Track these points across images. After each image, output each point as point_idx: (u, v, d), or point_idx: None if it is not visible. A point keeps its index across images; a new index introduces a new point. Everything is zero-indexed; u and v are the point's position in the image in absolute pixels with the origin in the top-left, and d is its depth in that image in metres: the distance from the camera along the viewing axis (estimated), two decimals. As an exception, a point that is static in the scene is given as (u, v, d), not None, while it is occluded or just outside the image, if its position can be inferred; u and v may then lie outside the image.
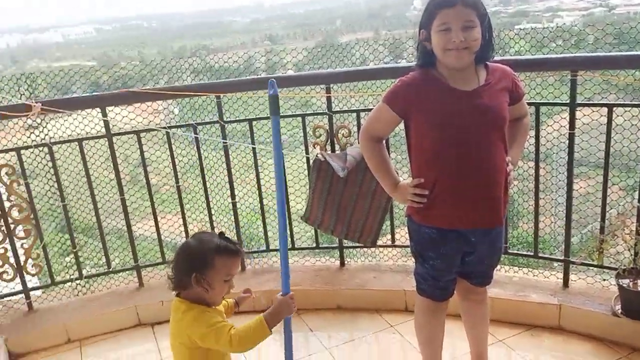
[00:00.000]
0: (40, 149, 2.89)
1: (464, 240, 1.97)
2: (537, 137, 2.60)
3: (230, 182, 3.06)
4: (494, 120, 1.87)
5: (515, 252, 2.81)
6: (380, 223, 2.85)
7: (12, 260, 2.94)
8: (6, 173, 2.82)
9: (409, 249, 2.85)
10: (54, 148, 2.88)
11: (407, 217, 2.06)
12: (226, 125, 2.94)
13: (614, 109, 2.36)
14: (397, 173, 2.05)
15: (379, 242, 3.07)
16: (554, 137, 2.74)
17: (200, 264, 1.63)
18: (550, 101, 2.58)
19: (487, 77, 1.88)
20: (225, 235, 1.69)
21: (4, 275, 2.95)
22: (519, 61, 2.46)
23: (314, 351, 2.67)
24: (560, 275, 2.69)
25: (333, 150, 2.90)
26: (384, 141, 2.05)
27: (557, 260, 2.70)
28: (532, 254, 2.73)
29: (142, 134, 2.97)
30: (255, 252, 3.31)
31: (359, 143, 2.04)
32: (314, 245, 3.17)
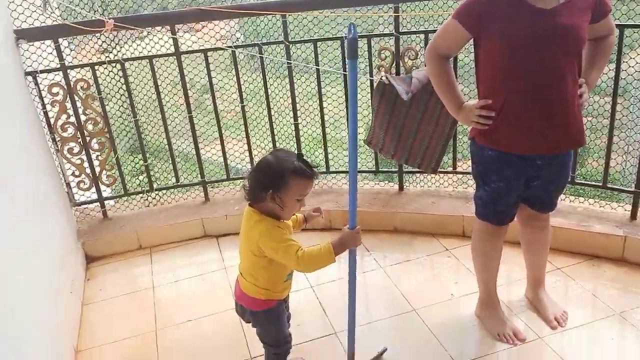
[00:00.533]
0: (114, 65, 2.99)
1: (529, 164, 1.92)
2: (617, 66, 2.45)
3: (294, 105, 3.08)
4: (571, 43, 1.78)
5: (583, 181, 2.72)
6: (443, 150, 2.83)
7: (88, 171, 3.13)
8: (81, 87, 2.96)
9: (469, 176, 2.84)
10: (126, 65, 2.98)
11: (470, 139, 2.03)
12: (291, 46, 2.93)
13: None
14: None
15: (441, 169, 3.06)
16: (636, 71, 2.58)
17: (277, 183, 1.67)
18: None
19: None
20: (303, 156, 1.72)
21: (81, 185, 3.15)
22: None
23: (368, 269, 2.74)
24: (629, 207, 2.60)
25: (398, 74, 2.85)
26: (450, 60, 2.00)
27: (627, 192, 2.60)
28: (600, 184, 2.63)
29: (209, 56, 3.01)
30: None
31: (426, 59, 1.99)
32: (374, 169, 3.18)
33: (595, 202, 2.71)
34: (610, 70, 2.43)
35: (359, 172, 3.26)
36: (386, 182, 3.31)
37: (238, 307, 1.91)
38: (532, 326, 2.22)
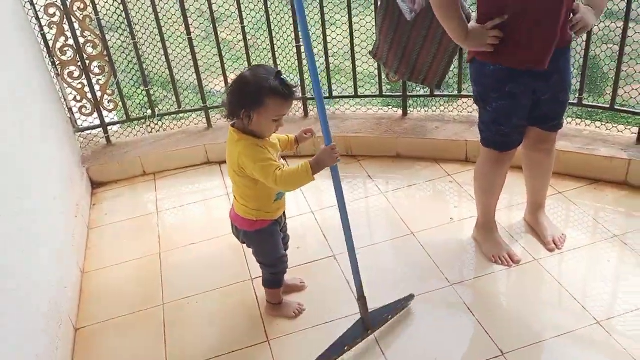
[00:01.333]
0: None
1: (534, 77, 1.86)
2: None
3: (296, 34, 2.98)
4: None
5: (591, 103, 2.65)
6: (447, 66, 2.73)
7: (89, 95, 3.11)
8: (78, 8, 2.89)
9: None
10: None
11: (469, 63, 1.96)
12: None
13: None
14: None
15: (445, 92, 2.99)
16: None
17: (252, 101, 1.63)
18: None
19: None
20: (282, 75, 1.65)
21: (83, 110, 3.14)
22: None
23: (371, 194, 2.75)
24: (636, 129, 2.54)
25: (402, -9, 2.73)
26: None
27: (635, 114, 2.53)
28: (608, 106, 2.56)
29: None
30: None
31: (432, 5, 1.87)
32: (378, 93, 3.12)
33: (602, 124, 2.64)
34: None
35: (363, 96, 3.20)
36: (390, 107, 3.24)
37: (234, 228, 1.93)
38: (529, 249, 2.22)
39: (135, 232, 2.72)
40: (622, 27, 2.39)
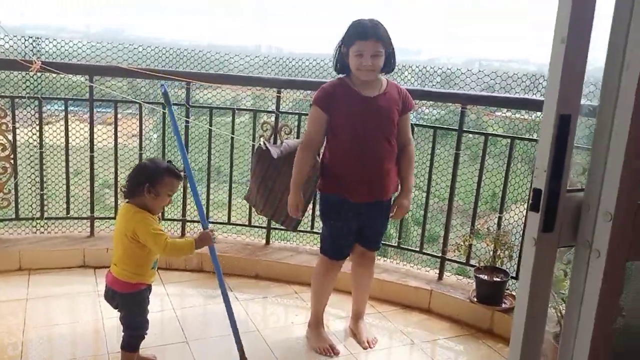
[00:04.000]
0: (32, 100, 3.44)
1: (357, 209, 2.55)
2: (432, 155, 3.26)
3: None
4: (385, 119, 2.49)
5: (406, 247, 3.43)
6: (303, 213, 3.43)
7: (-15, 190, 3.42)
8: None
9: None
10: (43, 103, 3.43)
11: (318, 191, 2.68)
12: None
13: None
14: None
15: (300, 228, 3.65)
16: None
17: (153, 178, 2.19)
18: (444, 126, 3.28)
19: (385, 88, 2.53)
20: (171, 163, 2.27)
21: (-24, 202, 3.42)
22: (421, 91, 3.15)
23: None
24: (437, 271, 3.31)
25: (275, 143, 3.51)
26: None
27: (435, 257, 3.32)
28: (418, 249, 3.35)
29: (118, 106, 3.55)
30: (196, 221, 3.82)
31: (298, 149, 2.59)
32: (247, 222, 3.73)
33: (414, 265, 3.40)
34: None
35: (234, 224, 3.79)
36: (257, 236, 3.84)
37: (109, 293, 2.30)
38: (348, 346, 2.76)
39: (1, 311, 2.91)
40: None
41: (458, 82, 3.10)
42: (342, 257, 2.71)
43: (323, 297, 2.77)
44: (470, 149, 3.22)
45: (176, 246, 2.19)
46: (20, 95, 3.43)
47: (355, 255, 2.76)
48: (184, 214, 3.74)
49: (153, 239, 2.17)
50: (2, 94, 3.42)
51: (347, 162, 2.52)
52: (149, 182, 2.19)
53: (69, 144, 3.53)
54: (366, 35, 2.36)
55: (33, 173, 3.57)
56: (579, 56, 1.04)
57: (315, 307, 2.78)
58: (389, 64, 2.48)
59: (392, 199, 2.65)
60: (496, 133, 3.18)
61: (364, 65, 2.37)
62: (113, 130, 3.58)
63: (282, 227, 3.57)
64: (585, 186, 1.08)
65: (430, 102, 3.31)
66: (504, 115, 3.12)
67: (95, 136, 3.52)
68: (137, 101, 3.49)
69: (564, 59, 1.02)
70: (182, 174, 2.29)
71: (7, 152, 3.42)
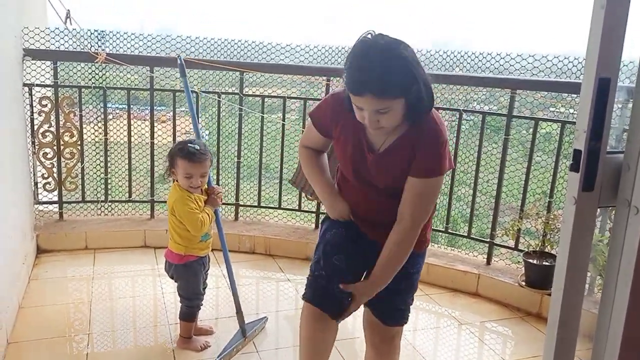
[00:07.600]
0: (98, 90, 3.67)
1: (364, 236, 1.92)
2: (480, 142, 3.28)
3: (239, 144, 3.78)
4: (385, 173, 1.79)
5: (454, 232, 3.46)
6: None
7: (55, 175, 3.67)
8: (67, 104, 3.59)
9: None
10: (107, 92, 3.66)
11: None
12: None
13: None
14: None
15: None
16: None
17: (171, 161, 2.34)
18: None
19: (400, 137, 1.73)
20: (193, 144, 2.29)
21: (47, 186, 3.68)
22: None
23: (281, 279, 3.32)
24: (485, 256, 3.33)
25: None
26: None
27: (483, 241, 3.34)
28: (465, 234, 3.38)
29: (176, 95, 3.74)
30: (248, 206, 3.97)
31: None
32: (297, 207, 3.85)
33: (459, 251, 3.44)
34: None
35: (284, 209, 3.92)
36: (307, 220, 3.96)
37: (166, 265, 2.46)
38: None
39: (70, 286, 3.13)
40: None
41: (508, 67, 3.10)
42: (327, 303, 1.82)
43: None
44: (518, 139, 3.22)
45: (205, 223, 2.34)
46: (87, 85, 3.66)
47: (368, 330, 1.99)
48: (237, 198, 3.90)
49: (187, 216, 2.32)
50: (71, 84, 3.66)
51: (348, 194, 1.93)
52: (170, 165, 2.34)
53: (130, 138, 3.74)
54: (359, 90, 1.58)
55: (98, 158, 3.80)
56: (619, 21, 1.08)
57: None
58: (415, 108, 1.65)
59: (421, 256, 1.98)
60: (546, 117, 3.17)
61: (367, 123, 1.65)
62: (168, 127, 3.78)
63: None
64: (624, 147, 1.12)
65: (482, 93, 3.33)
66: (554, 100, 3.11)
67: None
68: (195, 90, 3.66)
69: (603, 24, 1.07)
70: (201, 154, 2.28)
71: (74, 139, 3.66)
